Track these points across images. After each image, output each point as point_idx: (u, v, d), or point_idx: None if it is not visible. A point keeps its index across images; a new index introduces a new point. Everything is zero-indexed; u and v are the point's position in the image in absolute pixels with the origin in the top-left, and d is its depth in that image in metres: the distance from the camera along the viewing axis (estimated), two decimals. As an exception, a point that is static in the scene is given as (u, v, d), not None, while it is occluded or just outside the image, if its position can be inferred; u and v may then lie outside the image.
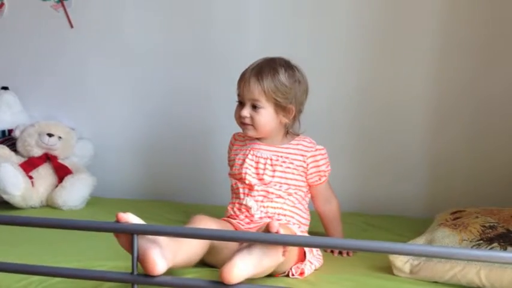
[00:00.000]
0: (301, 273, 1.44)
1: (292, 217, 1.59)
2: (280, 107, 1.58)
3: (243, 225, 1.57)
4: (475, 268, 1.36)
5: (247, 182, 1.59)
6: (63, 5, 2.40)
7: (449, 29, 2.10)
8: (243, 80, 1.59)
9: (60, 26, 2.40)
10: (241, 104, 1.60)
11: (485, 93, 2.10)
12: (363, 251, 1.54)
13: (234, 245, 1.36)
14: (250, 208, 1.58)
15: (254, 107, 1.57)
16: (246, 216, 1.58)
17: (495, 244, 1.41)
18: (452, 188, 2.14)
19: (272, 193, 1.58)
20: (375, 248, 1.10)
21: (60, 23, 2.40)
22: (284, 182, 1.59)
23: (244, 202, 1.59)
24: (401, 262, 1.43)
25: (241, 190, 1.61)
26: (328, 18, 2.19)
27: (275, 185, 1.59)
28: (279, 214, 1.58)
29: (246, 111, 1.58)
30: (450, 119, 2.14)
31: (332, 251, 1.67)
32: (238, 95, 1.61)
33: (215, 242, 1.40)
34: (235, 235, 1.30)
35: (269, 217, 1.56)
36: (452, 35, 2.10)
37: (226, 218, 1.60)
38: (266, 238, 1.17)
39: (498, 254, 1.14)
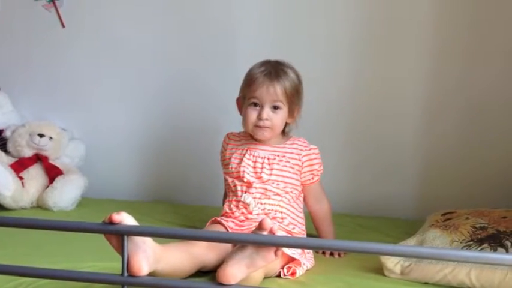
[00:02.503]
0: (293, 274, 1.44)
1: (288, 215, 1.60)
2: (291, 108, 1.63)
3: (236, 224, 1.57)
4: (465, 269, 1.36)
5: (245, 180, 1.61)
6: (54, 5, 2.39)
7: (440, 31, 2.11)
8: (260, 83, 1.59)
9: (51, 26, 2.39)
10: (255, 107, 1.61)
11: (476, 94, 2.11)
12: (354, 252, 1.55)
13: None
14: (248, 205, 1.59)
15: (274, 108, 1.60)
16: (242, 213, 1.59)
17: (485, 245, 1.41)
18: (443, 190, 2.14)
19: (270, 190, 1.60)
20: (366, 249, 1.10)
21: (51, 23, 2.39)
22: (281, 180, 1.61)
23: (242, 199, 1.60)
24: (392, 263, 1.43)
25: (239, 188, 1.62)
26: (322, 19, 2.19)
27: (273, 183, 1.61)
28: (275, 211, 1.59)
29: (267, 114, 1.59)
30: (442, 121, 2.15)
31: (323, 252, 1.68)
32: (253, 98, 1.60)
33: (206, 262, 1.38)
34: (227, 236, 1.30)
35: (266, 214, 1.57)
36: (442, 37, 2.11)
37: (219, 218, 1.60)
38: (258, 239, 1.17)
39: (488, 255, 1.15)
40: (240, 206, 1.60)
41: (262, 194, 1.60)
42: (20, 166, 2.14)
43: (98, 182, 2.28)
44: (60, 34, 2.39)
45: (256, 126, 1.62)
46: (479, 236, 1.46)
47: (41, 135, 2.20)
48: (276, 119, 1.61)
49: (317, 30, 2.19)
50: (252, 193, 1.60)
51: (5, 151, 2.22)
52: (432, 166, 2.17)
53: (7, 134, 2.25)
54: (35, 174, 2.16)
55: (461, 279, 1.37)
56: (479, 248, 1.40)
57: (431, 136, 2.16)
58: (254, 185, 1.60)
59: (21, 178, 2.11)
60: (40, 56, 2.42)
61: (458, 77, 2.12)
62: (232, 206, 1.62)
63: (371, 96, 2.18)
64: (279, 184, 1.61)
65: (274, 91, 1.59)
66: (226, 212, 1.63)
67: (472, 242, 1.44)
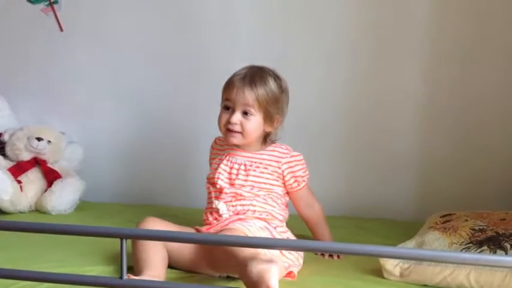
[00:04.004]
0: (293, 276, 1.44)
1: (264, 210, 1.57)
2: (268, 117, 1.59)
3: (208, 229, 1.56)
4: (464, 271, 1.36)
5: (218, 186, 1.60)
6: (53, 9, 2.39)
7: (438, 31, 2.11)
8: (234, 86, 1.57)
9: (49, 30, 2.39)
10: (227, 110, 1.59)
11: (474, 95, 2.11)
12: (353, 255, 1.54)
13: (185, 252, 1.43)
14: (219, 210, 1.57)
15: (245, 114, 1.57)
16: (215, 219, 1.58)
17: (484, 247, 1.41)
18: (442, 192, 2.14)
19: (241, 194, 1.58)
20: (365, 251, 1.10)
21: (49, 27, 2.39)
22: (256, 185, 1.58)
23: (214, 205, 1.59)
24: (391, 265, 1.43)
25: (212, 194, 1.61)
26: (317, 20, 2.19)
27: (245, 187, 1.58)
28: (248, 210, 1.56)
29: (237, 118, 1.57)
30: (440, 121, 2.15)
31: (322, 254, 1.67)
32: (227, 100, 1.59)
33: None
34: (219, 238, 1.29)
35: (237, 213, 1.55)
36: (441, 36, 2.11)
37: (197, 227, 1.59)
38: (257, 242, 1.17)
39: (488, 257, 1.15)
40: (214, 213, 1.58)
41: (233, 197, 1.58)
42: (18, 170, 2.14)
43: (96, 185, 2.28)
44: (58, 38, 2.39)
45: (227, 130, 1.59)
46: (478, 238, 1.46)
47: (39, 139, 2.20)
48: (246, 124, 1.56)
49: (309, 31, 2.19)
50: (223, 198, 1.58)
51: (3, 155, 2.22)
52: (431, 168, 2.16)
53: (5, 137, 2.24)
54: (33, 178, 2.16)
55: (461, 282, 1.37)
56: (478, 250, 1.41)
57: (430, 138, 2.15)
58: (225, 190, 1.58)
59: (19, 182, 2.11)
60: (38, 60, 2.42)
61: (458, 79, 2.12)
62: (208, 214, 1.61)
63: (370, 98, 2.18)
64: (253, 188, 1.58)
65: (243, 96, 1.55)
66: (204, 220, 1.62)
67: (471, 244, 1.44)
